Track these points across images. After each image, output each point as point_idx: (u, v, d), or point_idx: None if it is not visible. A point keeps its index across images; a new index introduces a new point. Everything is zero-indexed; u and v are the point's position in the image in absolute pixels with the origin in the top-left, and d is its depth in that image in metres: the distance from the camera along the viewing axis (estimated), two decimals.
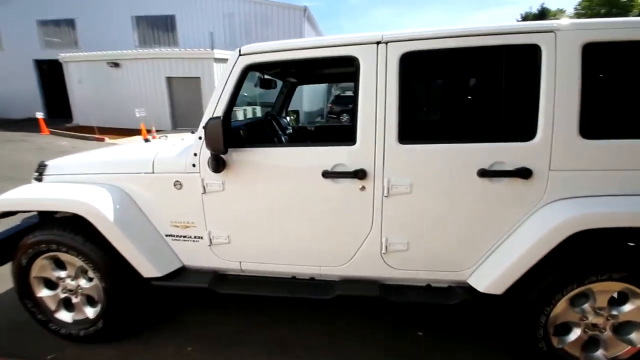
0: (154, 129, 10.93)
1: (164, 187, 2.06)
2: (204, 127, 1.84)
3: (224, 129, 1.75)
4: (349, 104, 15.04)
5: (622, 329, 1.79)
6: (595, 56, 1.59)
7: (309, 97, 16.38)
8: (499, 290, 1.75)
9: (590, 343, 1.82)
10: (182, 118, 14.28)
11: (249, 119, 3.85)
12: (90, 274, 2.13)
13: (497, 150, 1.70)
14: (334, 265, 2.01)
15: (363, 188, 1.85)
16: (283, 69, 2.83)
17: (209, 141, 1.78)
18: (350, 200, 1.88)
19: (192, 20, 17.34)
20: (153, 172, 2.08)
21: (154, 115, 12.87)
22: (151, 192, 2.10)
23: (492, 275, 1.77)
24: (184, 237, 2.12)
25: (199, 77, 13.61)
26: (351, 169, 1.84)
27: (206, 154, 1.94)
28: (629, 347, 1.77)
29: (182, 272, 2.17)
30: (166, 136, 3.34)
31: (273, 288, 2.05)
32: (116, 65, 14.26)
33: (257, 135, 2.76)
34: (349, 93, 16.21)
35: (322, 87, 16.74)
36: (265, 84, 2.88)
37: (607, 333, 1.78)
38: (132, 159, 2.19)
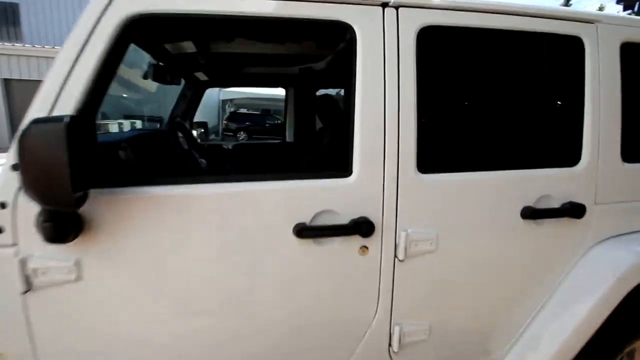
0: None
1: None
2: (17, 143, 0.78)
3: (69, 145, 0.72)
4: (245, 122, 14.24)
5: None
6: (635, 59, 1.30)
7: (200, 113, 14.64)
8: None
9: None
10: None
11: (135, 129, 2.58)
12: None
13: (542, 180, 1.25)
14: None
15: (364, 249, 1.09)
16: (204, 38, 1.73)
17: (31, 178, 0.72)
18: (344, 273, 1.10)
19: (45, 13, 13.92)
20: None
21: None
22: None
23: (540, 357, 1.26)
24: None
25: None
26: (346, 219, 1.05)
27: (30, 204, 0.87)
28: None
29: None
30: None
31: None
32: None
33: (156, 161, 1.62)
34: (244, 110, 15.41)
35: (215, 101, 15.32)
36: (159, 74, 1.76)
37: None
38: None
